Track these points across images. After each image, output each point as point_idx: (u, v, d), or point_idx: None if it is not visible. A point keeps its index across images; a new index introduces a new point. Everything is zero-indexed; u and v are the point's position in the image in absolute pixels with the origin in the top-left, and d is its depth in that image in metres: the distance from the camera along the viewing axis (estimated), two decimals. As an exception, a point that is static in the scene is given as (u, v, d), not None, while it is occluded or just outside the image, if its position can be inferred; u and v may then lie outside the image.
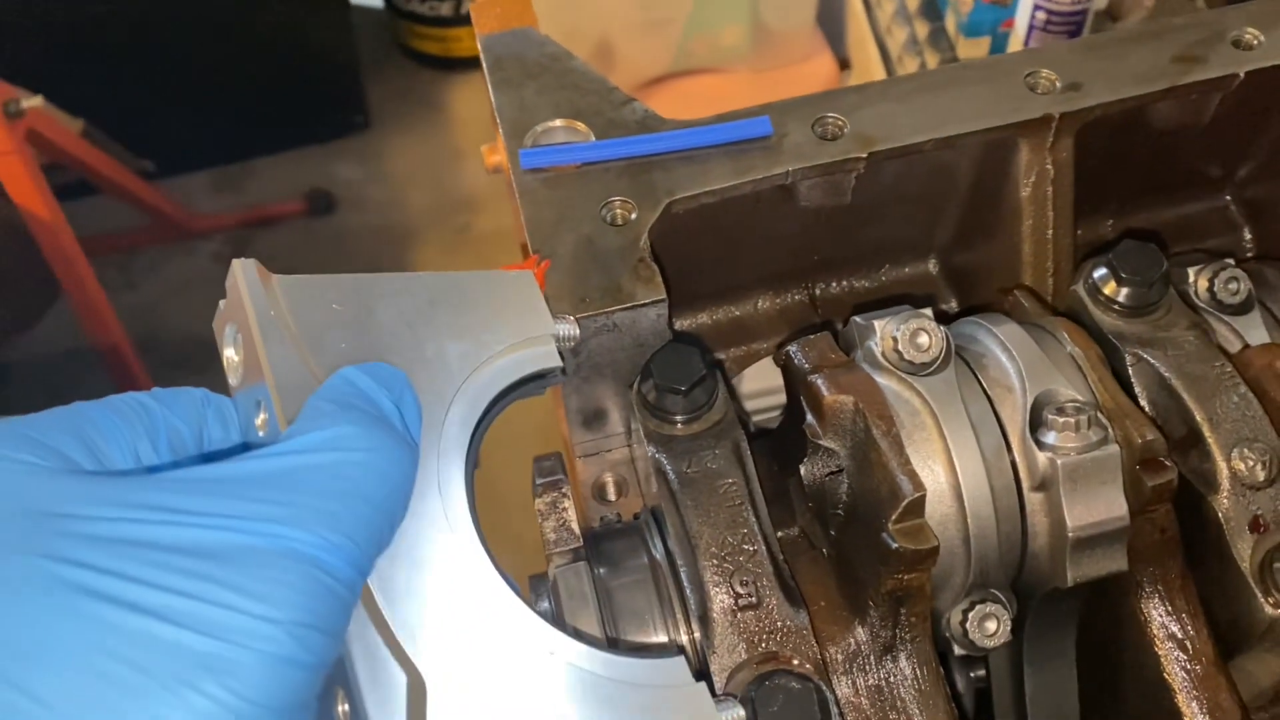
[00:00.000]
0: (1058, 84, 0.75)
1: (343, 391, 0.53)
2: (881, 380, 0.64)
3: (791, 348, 0.68)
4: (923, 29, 1.90)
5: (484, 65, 0.79)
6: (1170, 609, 0.66)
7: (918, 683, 0.63)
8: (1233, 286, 0.74)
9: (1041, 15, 1.61)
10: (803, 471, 0.67)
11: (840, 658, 0.63)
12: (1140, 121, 0.78)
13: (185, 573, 0.44)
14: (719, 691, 0.60)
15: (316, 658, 0.46)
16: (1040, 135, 0.74)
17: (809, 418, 0.65)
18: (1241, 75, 0.75)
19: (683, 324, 0.84)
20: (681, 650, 0.63)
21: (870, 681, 0.63)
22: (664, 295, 0.67)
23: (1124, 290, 0.71)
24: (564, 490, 0.66)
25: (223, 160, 2.97)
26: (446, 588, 0.53)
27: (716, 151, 0.73)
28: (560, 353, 0.62)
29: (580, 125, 0.75)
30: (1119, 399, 0.64)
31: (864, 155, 0.72)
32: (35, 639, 0.42)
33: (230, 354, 0.58)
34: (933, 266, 0.87)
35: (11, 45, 2.43)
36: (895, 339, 0.64)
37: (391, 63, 3.18)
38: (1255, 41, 0.77)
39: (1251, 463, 0.65)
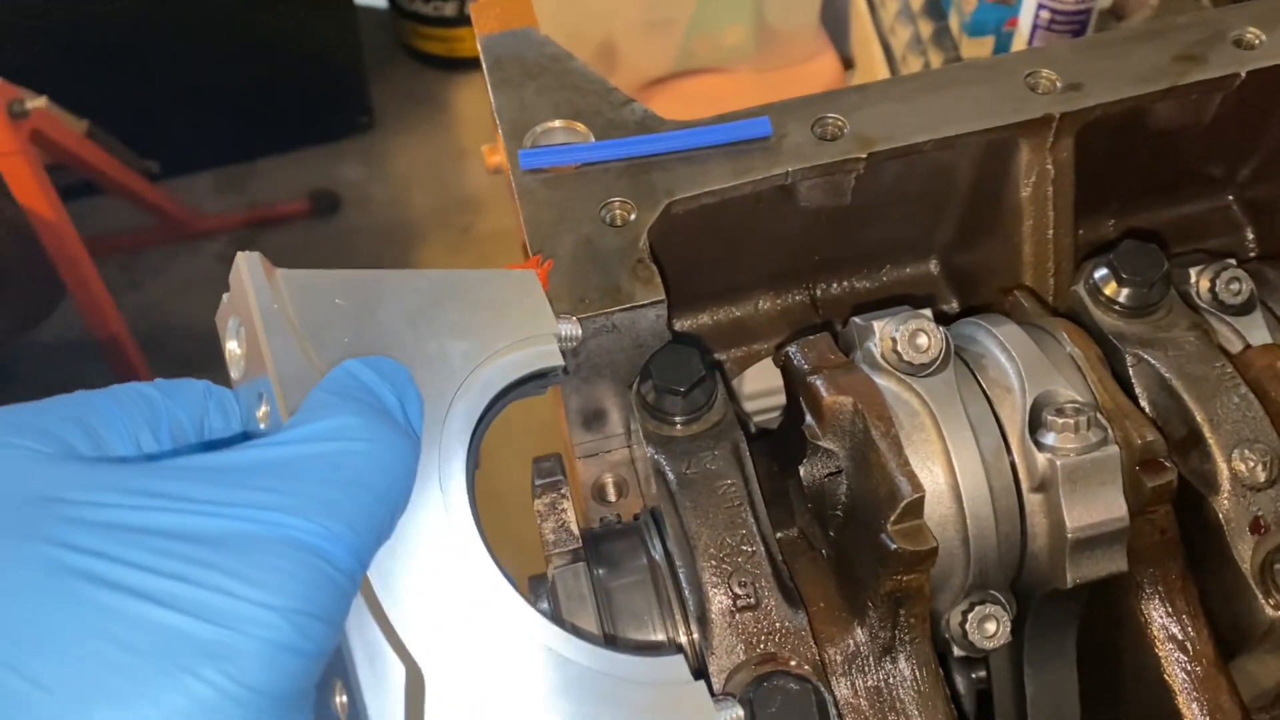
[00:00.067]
0: (1058, 84, 0.75)
1: (345, 384, 0.54)
2: (880, 381, 0.64)
3: (791, 349, 0.68)
4: (926, 28, 1.90)
5: (484, 66, 0.79)
6: (1171, 610, 0.65)
7: (917, 684, 0.63)
8: (1234, 287, 0.73)
9: (1045, 14, 1.61)
10: (802, 472, 0.67)
11: (839, 659, 0.63)
12: (1141, 121, 0.78)
13: (185, 559, 0.44)
14: (717, 692, 0.60)
15: (316, 646, 0.46)
16: (1041, 135, 0.74)
17: (808, 418, 0.65)
18: (1243, 75, 0.75)
19: (683, 325, 0.84)
20: (680, 650, 0.63)
21: (869, 683, 0.63)
22: (663, 296, 0.67)
23: (1124, 291, 0.71)
24: (563, 491, 0.66)
25: (227, 160, 2.97)
26: (446, 582, 0.53)
27: (716, 152, 0.73)
28: (562, 352, 0.62)
29: (580, 126, 0.75)
30: (1119, 399, 0.64)
31: (863, 156, 0.72)
32: (35, 624, 0.42)
33: (233, 346, 0.59)
34: (934, 267, 0.87)
35: (16, 46, 2.44)
36: (894, 340, 0.64)
37: (396, 63, 3.18)
38: (1257, 41, 0.76)
39: (1252, 464, 0.65)
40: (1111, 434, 0.62)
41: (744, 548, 0.63)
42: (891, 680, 0.63)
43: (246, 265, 0.56)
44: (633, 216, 0.70)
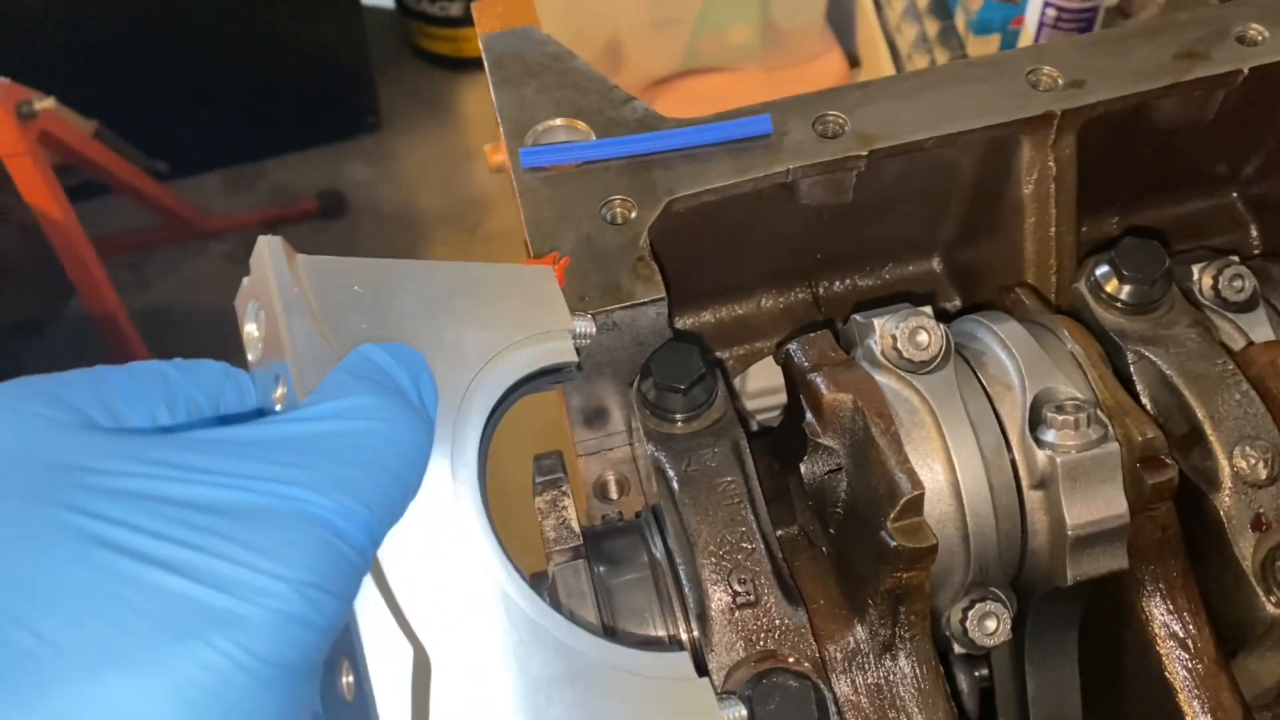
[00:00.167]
0: (1060, 81, 0.74)
1: (362, 367, 0.54)
2: (881, 378, 0.64)
3: (791, 346, 0.68)
4: (932, 27, 1.89)
5: (485, 64, 0.79)
6: (1172, 608, 0.65)
7: (917, 681, 0.63)
8: (1237, 284, 0.73)
9: (1051, 12, 1.60)
10: (802, 470, 0.67)
11: (839, 656, 0.63)
12: (1143, 118, 0.78)
13: (199, 528, 0.44)
14: (717, 690, 0.60)
15: (325, 620, 0.46)
16: (1042, 132, 0.74)
17: (808, 416, 0.65)
18: (1245, 71, 0.75)
19: (686, 322, 0.84)
20: (682, 648, 0.63)
21: (869, 680, 0.63)
22: (663, 294, 0.67)
23: (1126, 288, 0.70)
24: (564, 489, 0.66)
25: (235, 161, 2.98)
26: (455, 568, 0.53)
27: (717, 150, 0.73)
28: (576, 349, 0.62)
29: (581, 124, 0.75)
30: (1119, 397, 0.64)
31: (864, 153, 0.72)
32: (49, 585, 0.42)
33: (251, 329, 0.59)
34: (936, 265, 0.87)
35: (24, 47, 2.45)
36: (894, 337, 0.64)
37: (403, 63, 3.19)
38: (1260, 37, 0.76)
39: (1253, 460, 0.65)
40: (1112, 431, 0.62)
41: (743, 545, 0.63)
42: (892, 678, 0.63)
43: (268, 249, 0.57)
44: (633, 214, 0.70)
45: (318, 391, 0.52)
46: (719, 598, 0.62)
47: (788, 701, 0.58)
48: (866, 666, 0.63)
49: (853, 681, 0.63)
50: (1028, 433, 0.63)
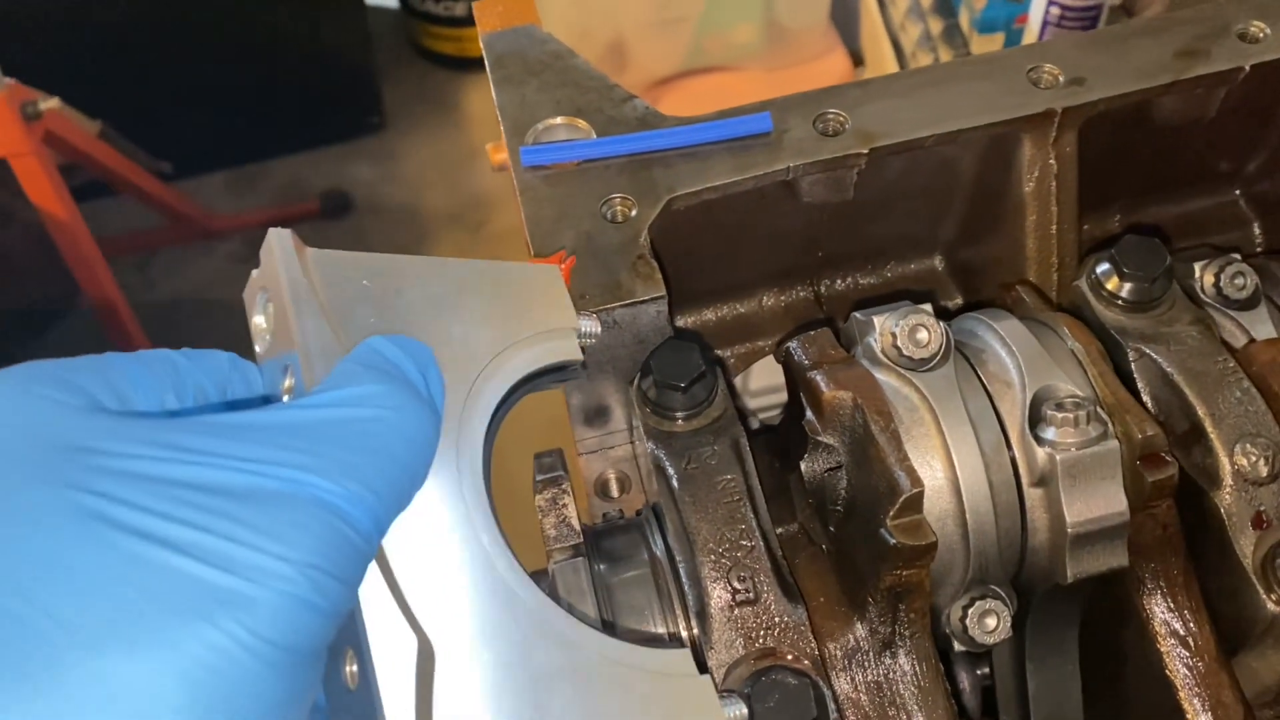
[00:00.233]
0: (1060, 78, 0.74)
1: (371, 358, 0.54)
2: (880, 376, 0.64)
3: (791, 344, 0.68)
4: (936, 25, 1.89)
5: (486, 63, 0.80)
6: (1172, 605, 0.65)
7: (917, 679, 0.63)
8: (1239, 281, 0.73)
9: (1055, 10, 1.60)
10: (802, 467, 0.67)
11: (839, 654, 0.63)
12: (1144, 116, 0.77)
13: (207, 510, 0.44)
14: (717, 687, 0.60)
15: (331, 604, 0.46)
16: (1043, 130, 0.74)
17: (808, 414, 0.65)
18: (1246, 69, 0.75)
19: (687, 321, 0.84)
20: (683, 645, 0.63)
21: (869, 678, 0.63)
22: (663, 292, 0.67)
23: (1127, 285, 0.70)
24: (564, 486, 0.66)
25: (239, 161, 2.99)
26: (460, 560, 0.53)
27: (717, 148, 0.73)
28: (582, 348, 0.62)
29: (581, 122, 0.75)
30: (1119, 394, 0.64)
31: (865, 151, 0.72)
32: (58, 564, 0.42)
33: (259, 321, 0.59)
34: (938, 263, 0.87)
35: (29, 47, 2.45)
36: (894, 334, 0.64)
37: (406, 63, 3.20)
38: (1261, 34, 0.76)
39: (1254, 458, 0.65)
40: (1111, 428, 0.62)
41: (743, 542, 0.63)
42: (891, 675, 0.63)
43: (278, 241, 0.57)
44: (633, 213, 0.70)
45: (327, 380, 0.52)
46: (719, 595, 0.62)
47: (787, 699, 0.58)
48: (866, 664, 0.63)
49: (852, 679, 0.63)
50: (1028, 430, 0.62)
